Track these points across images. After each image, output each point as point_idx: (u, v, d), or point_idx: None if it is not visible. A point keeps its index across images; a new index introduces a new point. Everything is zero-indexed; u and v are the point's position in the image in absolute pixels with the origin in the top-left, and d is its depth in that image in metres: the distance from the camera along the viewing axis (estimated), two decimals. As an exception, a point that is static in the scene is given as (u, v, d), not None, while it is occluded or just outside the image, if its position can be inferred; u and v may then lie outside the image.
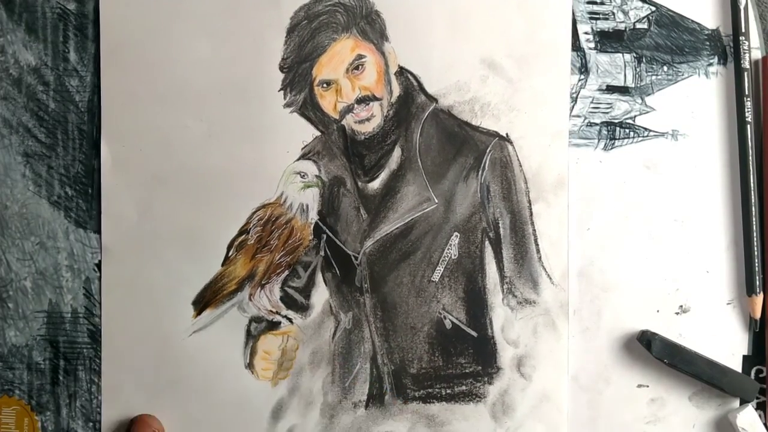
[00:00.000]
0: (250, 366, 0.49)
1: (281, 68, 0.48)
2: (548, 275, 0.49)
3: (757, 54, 0.50)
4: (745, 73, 0.49)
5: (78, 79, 0.48)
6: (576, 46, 0.49)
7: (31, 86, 0.48)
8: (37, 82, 0.48)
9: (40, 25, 0.47)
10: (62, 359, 0.48)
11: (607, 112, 0.50)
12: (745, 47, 0.49)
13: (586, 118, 0.50)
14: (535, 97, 0.49)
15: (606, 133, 0.50)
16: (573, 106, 0.50)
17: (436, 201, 0.49)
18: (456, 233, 0.49)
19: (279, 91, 0.48)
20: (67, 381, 0.48)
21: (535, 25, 0.49)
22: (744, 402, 0.50)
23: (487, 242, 0.49)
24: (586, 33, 0.50)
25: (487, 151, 0.49)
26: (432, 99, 0.49)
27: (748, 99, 0.49)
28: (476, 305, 0.49)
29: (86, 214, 0.48)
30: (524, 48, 0.49)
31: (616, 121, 0.50)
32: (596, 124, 0.50)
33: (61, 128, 0.48)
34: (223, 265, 0.48)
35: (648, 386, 0.50)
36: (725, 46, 0.50)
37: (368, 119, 0.49)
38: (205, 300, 0.48)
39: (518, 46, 0.49)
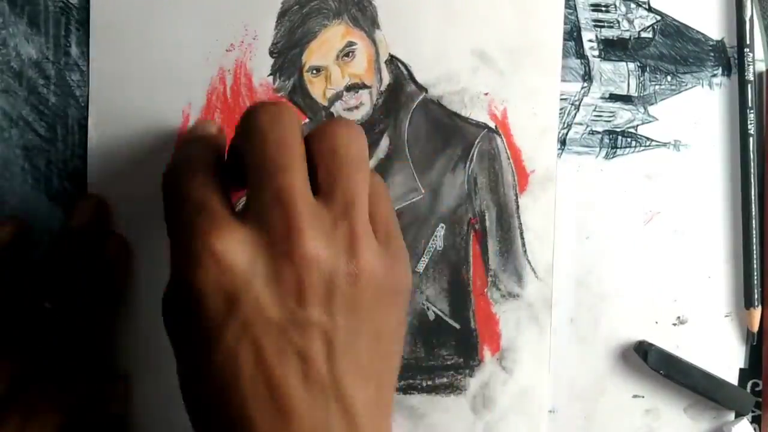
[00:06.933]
0: None
1: (271, 53, 0.48)
2: (533, 269, 0.49)
3: (761, 66, 0.50)
4: (749, 85, 0.49)
5: (79, 74, 0.48)
6: (580, 53, 0.49)
7: (32, 80, 0.48)
8: (38, 76, 0.48)
9: (42, 18, 0.47)
10: (56, 355, 0.48)
11: (609, 121, 0.50)
12: (750, 59, 0.49)
13: (588, 126, 0.50)
14: (525, 91, 0.48)
15: (608, 141, 0.50)
16: (575, 114, 0.49)
17: (423, 191, 0.49)
18: (442, 224, 0.49)
19: (268, 76, 0.48)
20: (60, 377, 0.48)
21: (527, 19, 0.48)
22: (739, 415, 0.50)
23: (472, 234, 0.49)
24: (590, 41, 0.49)
25: (476, 142, 0.49)
26: (422, 88, 0.48)
27: (752, 111, 0.49)
28: (460, 297, 0.49)
29: (84, 209, 0.48)
30: (516, 41, 0.48)
31: (618, 129, 0.50)
32: (598, 133, 0.50)
33: (60, 122, 0.48)
34: None
35: (643, 397, 0.50)
36: (729, 58, 0.50)
37: (357, 107, 0.48)
38: None
39: (510, 38, 0.48)
